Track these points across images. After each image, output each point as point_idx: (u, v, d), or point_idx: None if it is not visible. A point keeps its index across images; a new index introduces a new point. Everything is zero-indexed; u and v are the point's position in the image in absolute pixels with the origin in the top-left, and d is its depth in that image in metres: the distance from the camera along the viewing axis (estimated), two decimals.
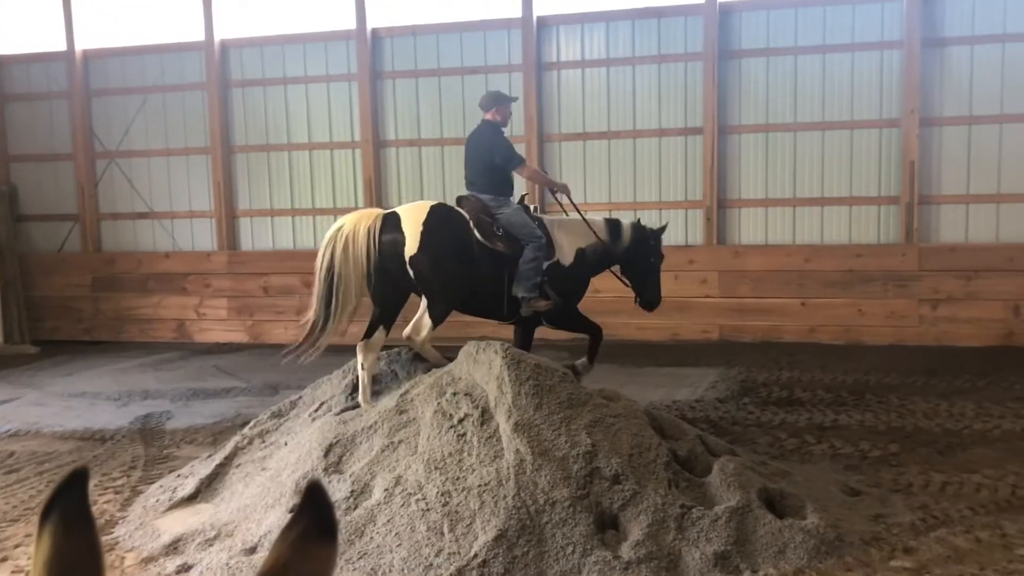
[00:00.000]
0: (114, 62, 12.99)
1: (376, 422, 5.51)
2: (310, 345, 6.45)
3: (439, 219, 6.56)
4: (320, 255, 6.41)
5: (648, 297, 7.40)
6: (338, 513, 4.88)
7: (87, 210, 13.15)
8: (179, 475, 6.17)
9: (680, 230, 11.37)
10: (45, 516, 0.93)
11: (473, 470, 4.95)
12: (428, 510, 4.76)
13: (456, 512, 4.74)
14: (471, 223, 6.65)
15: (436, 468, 4.99)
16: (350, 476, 5.15)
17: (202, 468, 6.03)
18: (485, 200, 6.79)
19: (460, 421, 5.27)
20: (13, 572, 4.86)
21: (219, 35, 12.50)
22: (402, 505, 4.82)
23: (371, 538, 4.68)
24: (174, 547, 5.04)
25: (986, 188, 10.66)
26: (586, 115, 11.58)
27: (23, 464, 6.99)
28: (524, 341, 7.34)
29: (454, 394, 5.47)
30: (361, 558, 4.59)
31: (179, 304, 12.83)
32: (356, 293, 6.48)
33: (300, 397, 6.56)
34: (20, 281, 13.01)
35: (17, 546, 5.27)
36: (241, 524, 5.12)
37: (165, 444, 7.43)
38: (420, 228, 6.43)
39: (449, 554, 4.53)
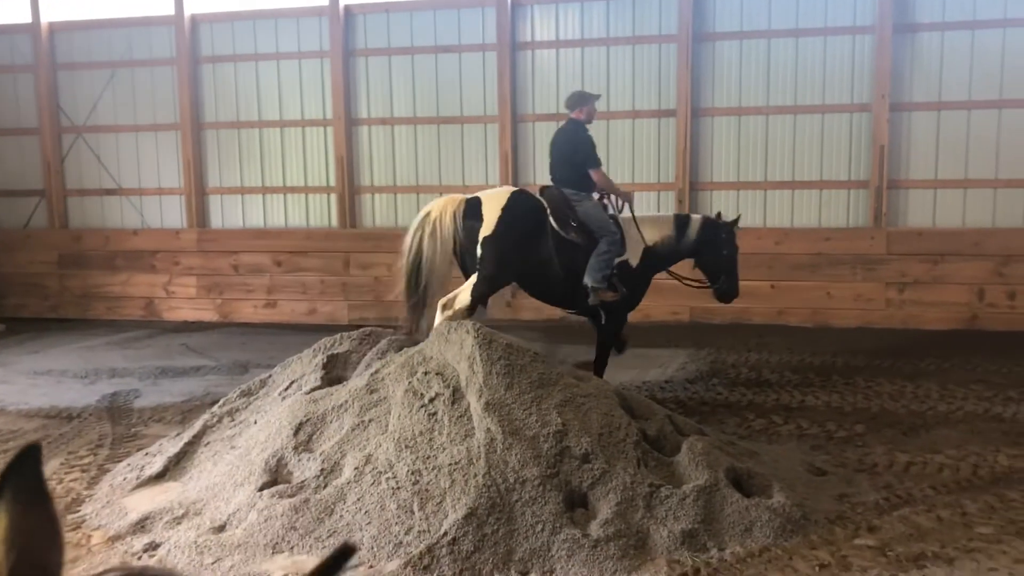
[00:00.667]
0: (81, 35, 12.76)
1: (347, 401, 5.50)
2: (414, 325, 6.87)
3: (516, 205, 6.89)
4: (408, 239, 6.82)
5: (724, 289, 7.57)
6: (308, 491, 4.88)
7: (53, 186, 12.95)
8: (147, 453, 6.13)
9: (652, 212, 11.40)
10: None
11: (444, 449, 4.96)
12: (398, 488, 4.77)
13: (426, 490, 4.75)
14: (548, 212, 6.95)
15: (407, 447, 5.00)
16: (320, 454, 5.14)
17: (170, 446, 5.99)
18: (567, 193, 7.06)
19: (431, 400, 5.27)
20: None
21: (189, 9, 12.31)
22: (372, 483, 4.82)
23: (341, 516, 4.68)
24: (141, 525, 5.01)
25: (953, 173, 10.78)
26: (560, 96, 11.53)
27: None
28: (607, 334, 7.48)
29: (425, 373, 5.47)
30: (331, 536, 4.59)
31: (147, 282, 12.70)
32: (443, 273, 6.88)
33: (270, 376, 6.53)
34: None
35: None
36: (210, 502, 5.10)
37: (133, 422, 7.36)
38: (498, 213, 6.79)
39: (419, 532, 4.55)
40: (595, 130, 11.44)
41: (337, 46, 11.92)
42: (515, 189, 7.14)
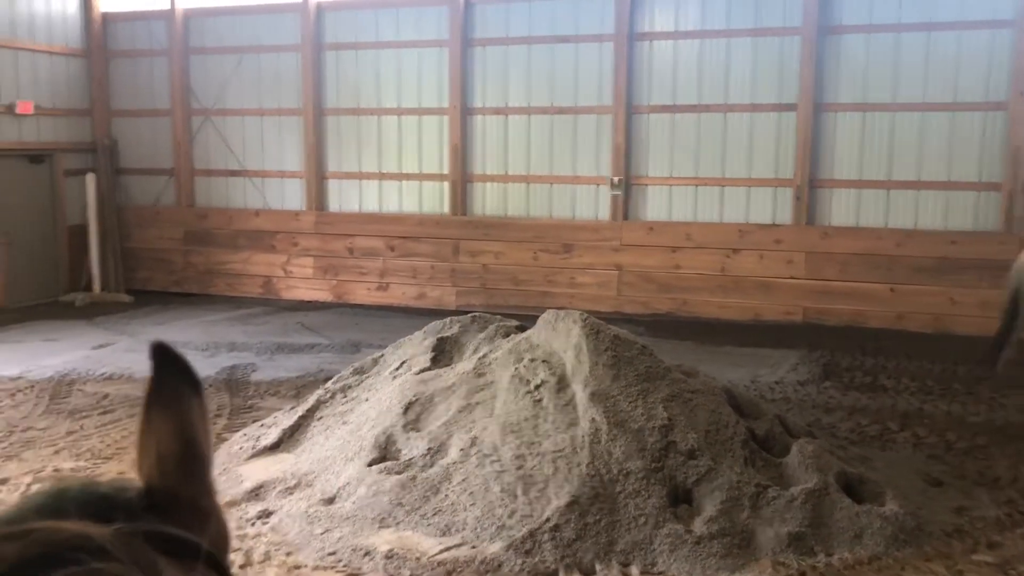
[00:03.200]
0: (212, 22, 13.28)
1: (454, 383, 5.59)
2: (996, 358, 7.48)
3: None
4: (1010, 278, 7.49)
5: None
6: (415, 469, 4.99)
7: (182, 166, 13.54)
8: (263, 425, 6.37)
9: (768, 209, 11.16)
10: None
11: (548, 436, 4.99)
12: (502, 472, 4.82)
13: (530, 476, 4.79)
14: None
15: (512, 431, 5.05)
16: (428, 434, 5.24)
17: (285, 419, 6.21)
18: None
19: (537, 387, 5.31)
20: None
21: None
22: (477, 465, 4.89)
23: (446, 496, 4.77)
24: (256, 493, 5.21)
25: None
26: (677, 87, 11.40)
27: (116, 406, 7.31)
28: None
29: (532, 360, 5.51)
30: (436, 514, 4.68)
31: (267, 261, 13.16)
32: None
33: (382, 355, 6.69)
34: (117, 232, 13.51)
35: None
36: (321, 475, 5.27)
37: (250, 395, 7.66)
38: None
39: (522, 516, 4.59)
40: (711, 123, 11.31)
41: (456, 35, 12.06)
42: None
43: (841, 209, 10.97)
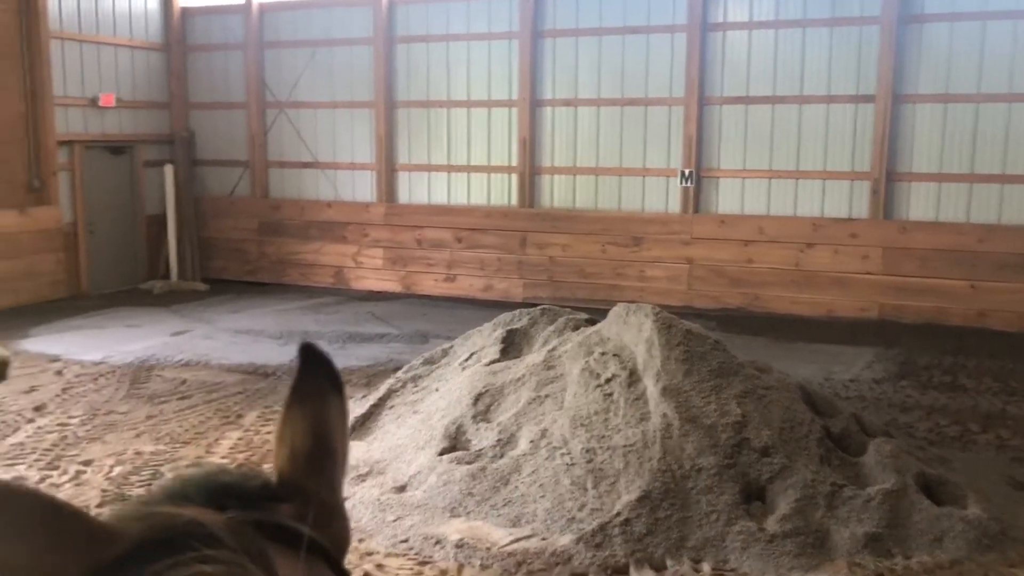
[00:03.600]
0: (287, 15, 13.49)
1: (524, 375, 5.59)
2: None
3: None
4: None
5: None
6: (485, 460, 5.01)
7: (257, 157, 13.80)
8: None
9: (844, 202, 10.91)
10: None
11: (619, 430, 4.96)
12: (572, 465, 4.81)
13: (600, 469, 4.77)
14: None
15: (582, 425, 5.03)
16: (497, 425, 5.26)
17: (357, 407, 6.29)
18: None
19: (607, 381, 5.28)
20: None
21: None
22: (547, 458, 4.89)
23: (516, 487, 4.78)
24: None
25: None
26: (751, 78, 11.20)
27: (193, 392, 7.50)
28: None
29: (602, 354, 5.48)
30: (506, 505, 4.70)
31: (338, 252, 13.34)
32: None
33: (452, 346, 6.73)
34: (194, 222, 13.83)
35: (189, 467, 5.66)
36: (392, 463, 5.33)
37: None
38: None
39: (592, 510, 4.58)
40: (786, 115, 11.09)
41: (526, 27, 12.04)
42: None
43: (920, 203, 10.67)
